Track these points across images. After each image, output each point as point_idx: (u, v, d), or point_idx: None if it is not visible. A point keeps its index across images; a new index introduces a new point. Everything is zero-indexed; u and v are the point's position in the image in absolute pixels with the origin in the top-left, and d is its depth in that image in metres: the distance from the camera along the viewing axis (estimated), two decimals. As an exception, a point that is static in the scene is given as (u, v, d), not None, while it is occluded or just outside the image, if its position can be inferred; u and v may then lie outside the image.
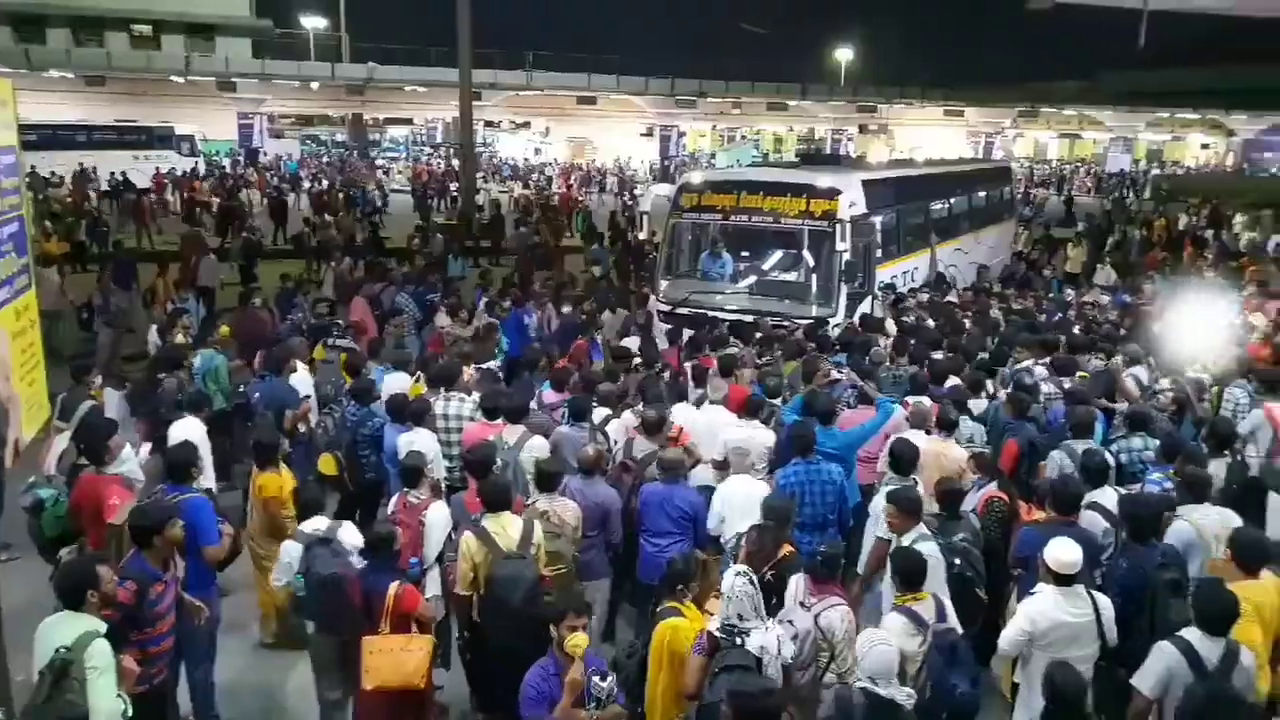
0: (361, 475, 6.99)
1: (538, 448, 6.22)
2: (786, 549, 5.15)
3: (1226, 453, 6.41)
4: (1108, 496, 5.64)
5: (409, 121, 57.54)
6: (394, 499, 5.80)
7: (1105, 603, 4.56)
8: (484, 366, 8.31)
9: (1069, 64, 61.21)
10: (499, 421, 6.47)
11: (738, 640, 4.12)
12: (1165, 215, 28.09)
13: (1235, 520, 5.36)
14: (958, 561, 4.96)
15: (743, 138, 57.12)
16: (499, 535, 5.01)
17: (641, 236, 14.70)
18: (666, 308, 11.31)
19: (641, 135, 55.83)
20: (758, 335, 9.46)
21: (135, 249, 20.34)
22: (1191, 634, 4.20)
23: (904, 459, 5.76)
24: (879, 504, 5.53)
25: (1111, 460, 6.24)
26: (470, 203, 22.94)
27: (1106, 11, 16.81)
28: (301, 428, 7.76)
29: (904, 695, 3.82)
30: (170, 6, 46.32)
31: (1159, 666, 4.16)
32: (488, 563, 4.94)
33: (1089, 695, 3.92)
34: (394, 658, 4.57)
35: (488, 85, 46.36)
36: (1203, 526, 5.21)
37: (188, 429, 6.39)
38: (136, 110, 40.97)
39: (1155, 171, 55.96)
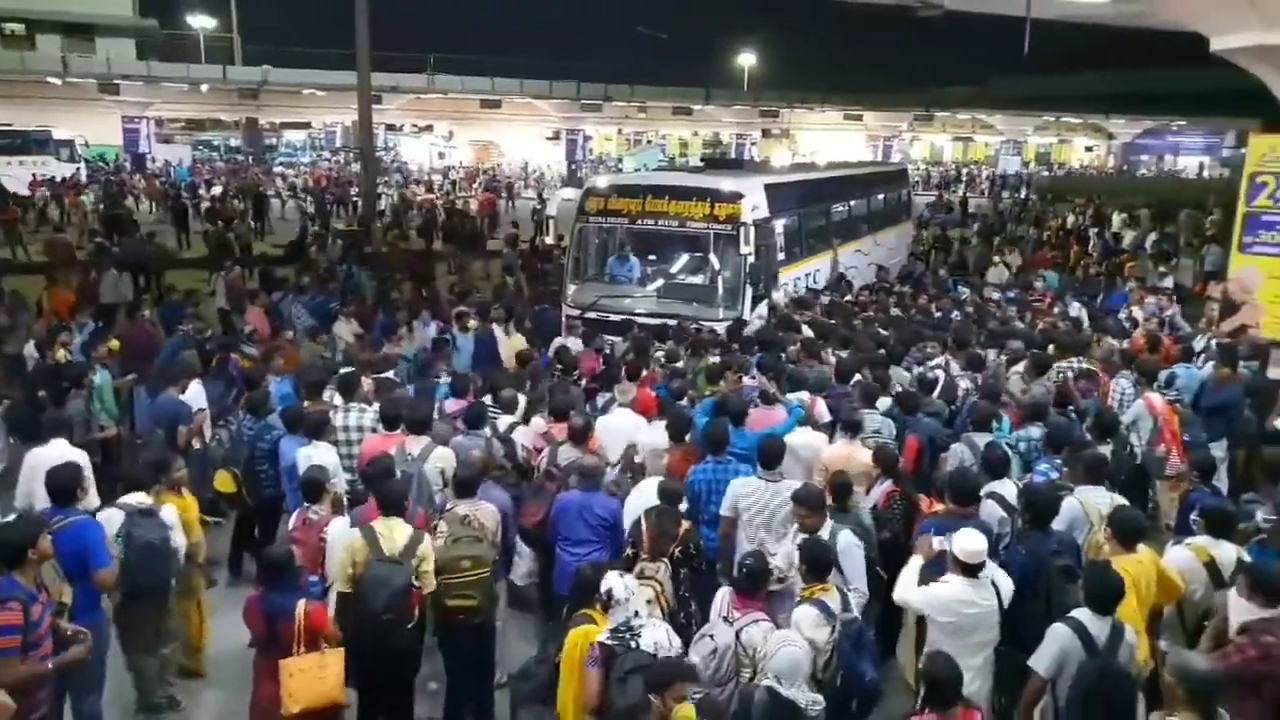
0: (260, 491, 6.74)
1: (443, 458, 6.11)
2: (685, 525, 5.21)
3: (1110, 441, 6.67)
4: (1007, 488, 5.82)
5: (307, 125, 56.05)
6: (294, 516, 5.63)
7: (1007, 590, 4.71)
8: (383, 376, 8.11)
9: (961, 70, 63.66)
10: (399, 432, 6.32)
11: (632, 643, 4.14)
12: (1055, 215, 29.41)
13: (1121, 503, 5.67)
14: (864, 544, 5.10)
15: (649, 141, 57.52)
16: (384, 538, 4.95)
17: (549, 241, 14.58)
18: (575, 312, 11.27)
19: (547, 138, 55.67)
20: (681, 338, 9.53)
21: (9, 260, 19.29)
22: (1082, 614, 4.39)
23: (769, 453, 5.81)
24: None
25: (1011, 452, 6.43)
26: (371, 208, 22.44)
27: (994, 19, 17.42)
28: (196, 444, 7.45)
29: (807, 699, 3.87)
30: (45, 5, 43.88)
31: (1054, 647, 4.32)
32: (365, 563, 4.89)
33: (963, 681, 4.02)
34: (311, 677, 4.51)
35: (388, 88, 45.48)
36: (1090, 505, 5.45)
37: (57, 451, 5.95)
38: (10, 113, 38.79)
39: (1043, 173, 58.46)
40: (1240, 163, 10.17)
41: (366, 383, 7.54)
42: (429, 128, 56.96)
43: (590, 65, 53.71)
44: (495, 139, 57.72)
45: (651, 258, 11.95)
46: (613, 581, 4.32)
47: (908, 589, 4.84)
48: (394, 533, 4.97)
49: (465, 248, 20.66)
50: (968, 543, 4.57)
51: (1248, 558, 5.02)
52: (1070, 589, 4.82)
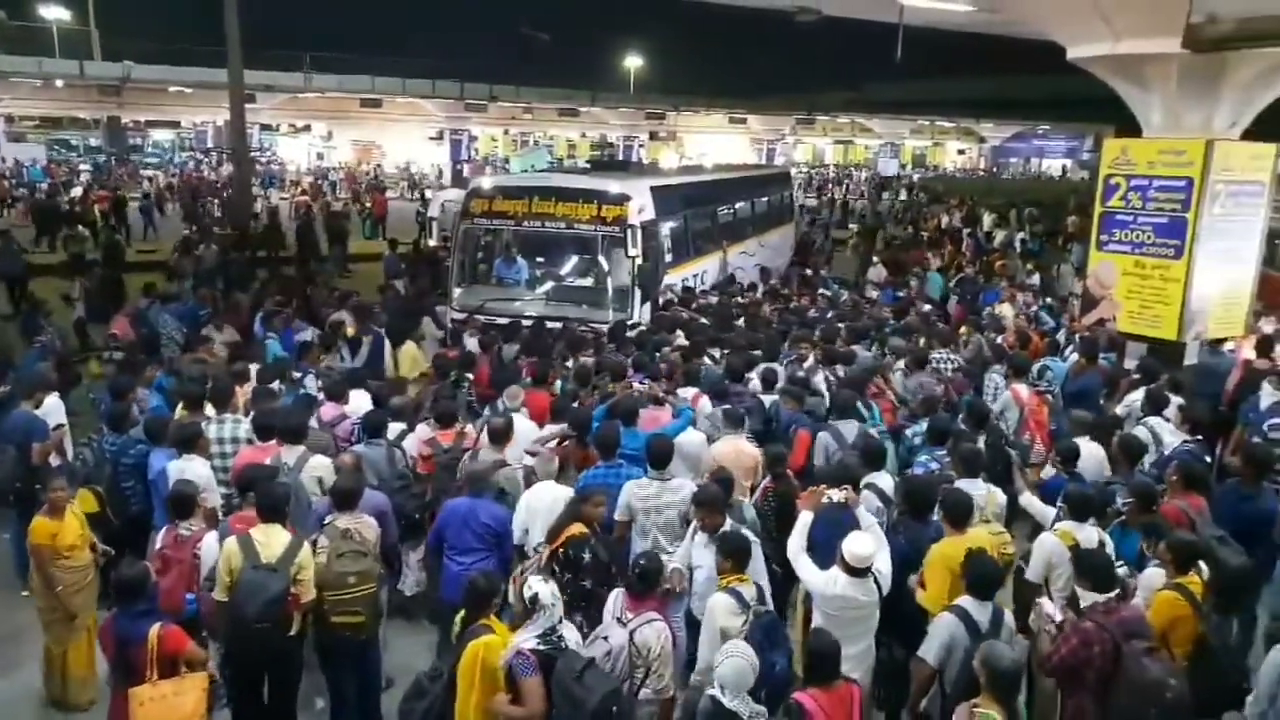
0: (126, 509, 6.35)
1: (320, 467, 5.92)
2: (577, 528, 5.18)
3: (984, 431, 6.94)
4: (883, 479, 5.99)
5: (175, 125, 53.47)
6: (162, 532, 5.35)
7: (888, 580, 4.84)
8: (267, 386, 7.77)
9: (840, 75, 65.70)
10: (273, 442, 6.08)
11: (562, 645, 4.11)
12: (931, 215, 30.62)
13: (1000, 494, 5.88)
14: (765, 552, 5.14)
15: (535, 143, 57.13)
16: (261, 545, 4.78)
17: (431, 243, 14.26)
18: (461, 315, 11.08)
19: (431, 139, 54.64)
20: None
21: None
22: (966, 601, 4.55)
23: (657, 454, 5.84)
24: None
25: (890, 445, 6.65)
26: (246, 211, 21.55)
27: (870, 26, 17.98)
28: (55, 460, 6.97)
29: (751, 710, 3.88)
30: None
31: (941, 636, 4.47)
32: (240, 570, 4.72)
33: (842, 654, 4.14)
34: (165, 706, 4.24)
35: (262, 87, 43.79)
36: (972, 497, 5.56)
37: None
38: None
39: (916, 176, 60.76)
40: (1098, 165, 10.73)
41: (240, 392, 7.23)
42: (307, 128, 55.13)
43: (475, 65, 53.20)
44: (377, 139, 56.32)
45: (538, 260, 11.88)
46: (538, 587, 4.23)
47: (798, 551, 4.98)
48: (272, 540, 4.81)
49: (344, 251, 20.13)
50: (858, 547, 4.67)
51: (1109, 540, 5.30)
52: None
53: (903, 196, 43.36)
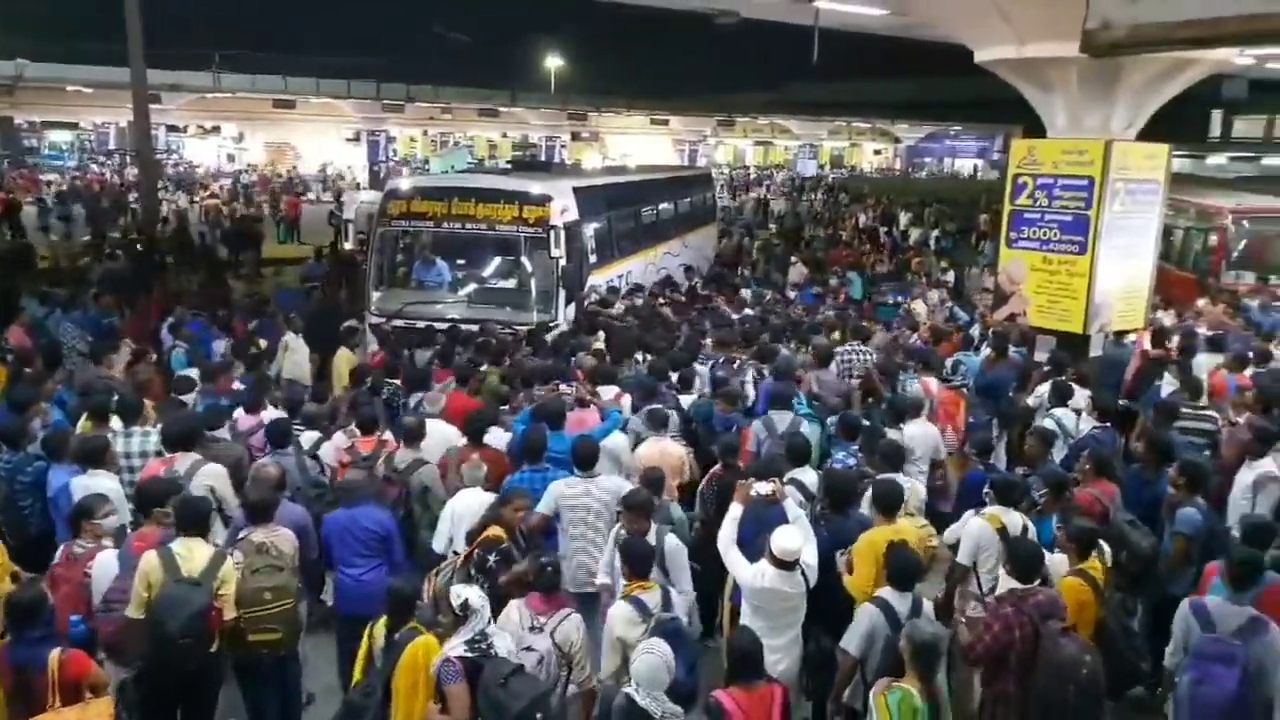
0: (24, 530, 6.05)
1: (212, 475, 5.76)
2: (494, 531, 5.17)
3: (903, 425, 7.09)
4: (807, 475, 6.10)
5: (74, 126, 51.27)
6: (59, 551, 5.13)
7: (814, 572, 4.92)
8: (180, 398, 7.49)
9: (760, 76, 66.48)
10: (178, 453, 5.89)
11: (492, 651, 4.09)
12: (850, 215, 31.24)
13: (921, 488, 6.08)
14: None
15: (456, 143, 56.45)
16: (183, 559, 4.64)
17: (348, 246, 13.98)
18: (380, 320, 10.87)
19: (348, 140, 53.49)
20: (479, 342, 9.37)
21: None
22: (887, 592, 4.66)
23: (583, 455, 5.85)
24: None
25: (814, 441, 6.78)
26: (152, 215, 20.76)
27: (787, 28, 18.26)
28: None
29: (664, 709, 3.89)
30: None
31: (863, 627, 4.56)
32: (160, 584, 4.57)
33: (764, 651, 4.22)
34: None
35: (168, 87, 42.26)
36: (903, 487, 5.68)
37: None
38: None
39: (835, 175, 61.94)
40: (1007, 165, 11.07)
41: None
42: (216, 129, 53.46)
43: (392, 65, 52.25)
44: (291, 140, 54.93)
45: (460, 262, 11.73)
46: (467, 593, 4.21)
47: (728, 544, 5.03)
48: (194, 553, 4.67)
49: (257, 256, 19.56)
50: (785, 541, 4.73)
51: (1032, 525, 5.48)
52: None
53: (820, 197, 44.10)
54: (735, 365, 8.66)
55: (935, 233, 25.38)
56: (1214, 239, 14.91)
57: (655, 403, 7.23)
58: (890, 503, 5.29)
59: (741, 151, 73.94)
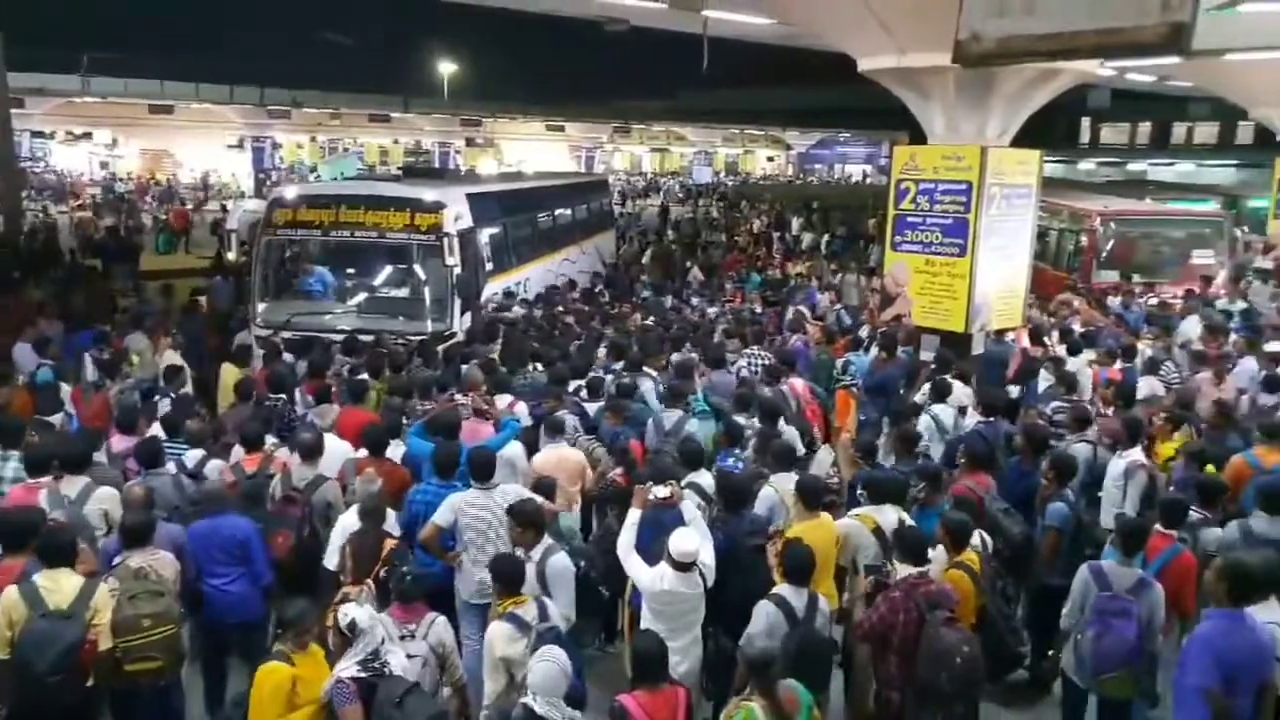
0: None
1: (106, 499, 5.50)
2: (390, 544, 5.12)
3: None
4: (704, 478, 6.15)
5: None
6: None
7: (712, 573, 4.98)
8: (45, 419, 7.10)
9: (654, 84, 67.02)
10: (48, 478, 5.56)
11: (386, 670, 4.01)
12: (744, 220, 31.76)
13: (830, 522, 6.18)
14: (582, 564, 5.11)
15: (345, 150, 55.06)
16: (50, 592, 4.39)
17: (230, 256, 13.46)
18: (267, 332, 10.51)
19: (231, 146, 51.57)
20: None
21: None
22: (784, 589, 4.76)
23: (479, 466, 5.78)
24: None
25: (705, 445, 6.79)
26: (15, 226, 19.59)
27: (681, 36, 18.45)
28: None
29: (563, 715, 3.88)
30: None
31: (761, 624, 4.64)
32: (24, 621, 4.32)
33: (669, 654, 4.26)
34: None
35: (32, 90, 40.02)
36: (784, 490, 5.91)
37: None
38: None
39: (730, 181, 62.94)
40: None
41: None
42: (88, 135, 50.85)
43: (277, 69, 50.70)
44: (169, 147, 52.64)
45: (350, 271, 11.47)
46: (355, 613, 4.13)
47: (627, 550, 5.04)
48: (61, 585, 4.41)
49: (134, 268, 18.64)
50: (683, 543, 4.77)
51: (909, 520, 5.65)
52: (762, 566, 5.22)
53: (716, 203, 44.73)
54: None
55: (826, 237, 26.03)
56: (1085, 240, 15.74)
57: (557, 409, 7.23)
58: (812, 494, 5.49)
59: (638, 158, 74.40)
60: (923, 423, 7.47)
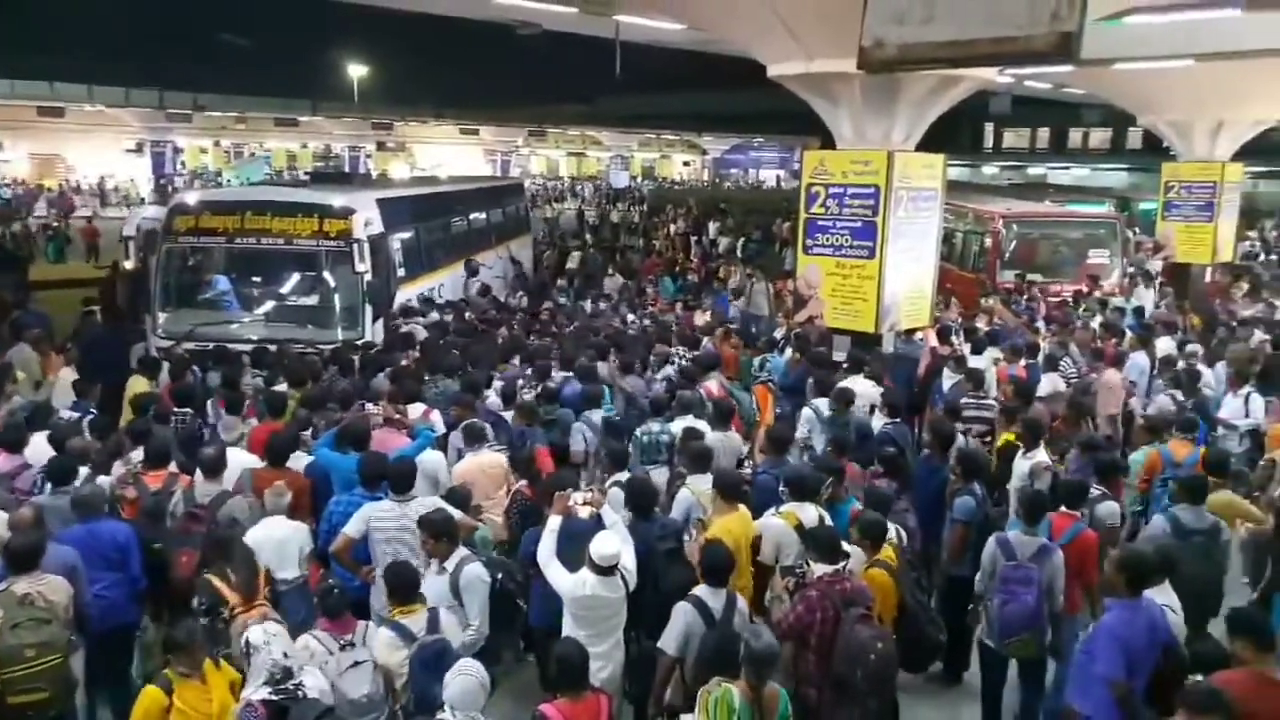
0: None
1: None
2: None
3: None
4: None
5: None
6: None
7: (633, 577, 4.98)
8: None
9: (570, 88, 66.78)
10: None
11: (299, 693, 3.90)
12: (661, 224, 31.93)
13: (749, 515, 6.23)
14: (500, 576, 5.04)
15: (251, 155, 53.51)
16: None
17: (128, 265, 12.95)
18: (168, 343, 10.13)
19: (129, 151, 49.52)
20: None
21: None
22: (702, 590, 4.80)
23: (397, 476, 5.74)
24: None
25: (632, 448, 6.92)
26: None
27: (596, 41, 18.48)
28: None
29: None
30: None
31: (678, 625, 4.67)
32: None
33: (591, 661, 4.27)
34: None
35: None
36: (700, 491, 5.98)
37: None
38: None
39: (647, 185, 63.23)
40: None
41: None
42: (-32, 138, 48.24)
43: (178, 72, 48.92)
44: (62, 151, 50.31)
45: (256, 280, 11.15)
46: (250, 631, 4.06)
47: (548, 557, 5.01)
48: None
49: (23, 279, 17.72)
50: (604, 547, 4.78)
51: (828, 517, 5.75)
52: (675, 569, 5.26)
53: (634, 207, 44.86)
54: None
55: (742, 240, 26.34)
56: (989, 241, 16.28)
57: (473, 416, 7.17)
58: (731, 488, 5.64)
59: (555, 162, 74.16)
60: (804, 416, 7.63)
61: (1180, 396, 8.69)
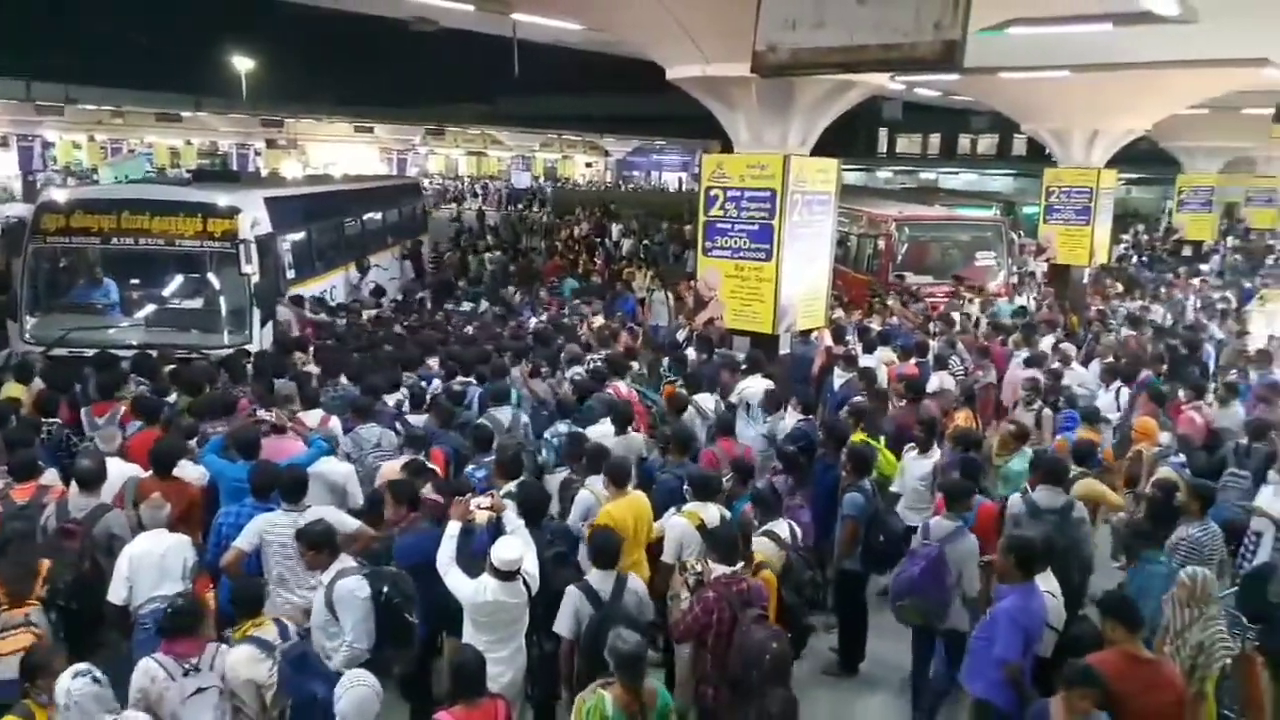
0: None
1: None
2: (46, 562, 4.94)
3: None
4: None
5: None
6: None
7: (535, 581, 4.95)
8: None
9: (470, 87, 66.05)
10: None
11: None
12: (564, 226, 31.81)
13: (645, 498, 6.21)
14: (385, 589, 4.86)
15: (131, 151, 51.03)
16: None
17: (-10, 267, 12.26)
18: (38, 349, 9.58)
19: (-10, 145, 46.56)
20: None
21: None
22: (591, 575, 4.93)
23: (289, 484, 5.59)
24: None
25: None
26: None
27: (497, 40, 18.25)
28: None
29: None
30: None
31: (568, 609, 4.81)
32: None
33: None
34: None
35: None
36: (598, 493, 6.00)
37: None
38: None
39: (549, 186, 62.96)
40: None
41: None
42: None
43: (47, 63, 46.25)
44: (-84, 145, 46.90)
45: (134, 282, 10.67)
46: (62, 682, 3.77)
47: (448, 563, 4.94)
48: None
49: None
50: (505, 552, 4.73)
51: (729, 515, 5.81)
52: (564, 572, 5.26)
53: (536, 209, 44.64)
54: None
55: (645, 242, 26.50)
56: (882, 244, 16.75)
57: (372, 421, 7.09)
58: (619, 474, 5.78)
59: (454, 161, 73.14)
60: (688, 414, 7.76)
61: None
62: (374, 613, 4.75)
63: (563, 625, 4.86)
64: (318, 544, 4.88)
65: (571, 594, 4.84)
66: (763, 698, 4.37)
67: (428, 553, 5.09)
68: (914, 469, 7.07)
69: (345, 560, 4.93)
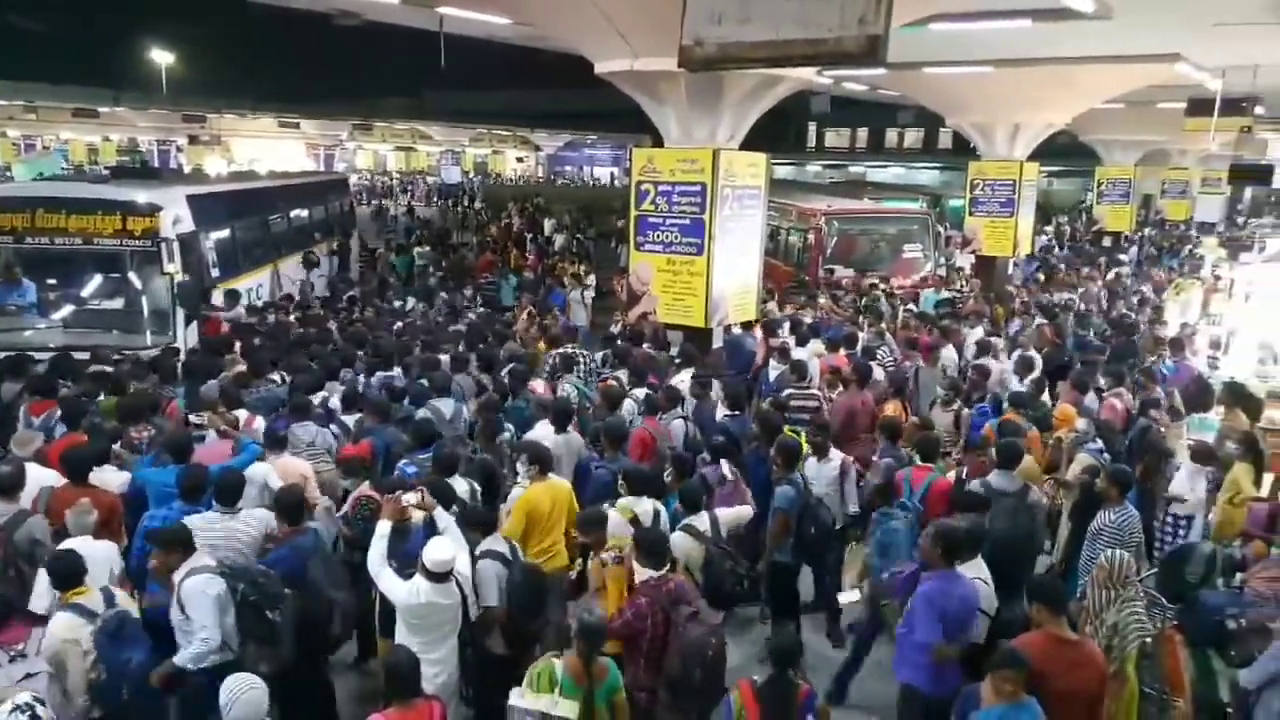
0: None
1: None
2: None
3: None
4: (460, 485, 6.03)
5: None
6: None
7: (469, 582, 4.98)
8: None
9: (397, 81, 65.02)
10: None
11: None
12: (497, 222, 31.55)
13: (566, 484, 6.25)
14: (242, 588, 4.74)
15: (45, 148, 49.12)
16: None
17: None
18: None
19: (-107, 141, 44.48)
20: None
21: None
22: (487, 542, 5.17)
23: (223, 488, 5.48)
24: None
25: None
26: None
27: (425, 34, 17.99)
28: None
29: None
30: None
31: (489, 578, 5.12)
32: None
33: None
34: None
35: None
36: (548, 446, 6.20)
37: None
38: None
39: (478, 182, 62.34)
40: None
41: None
42: None
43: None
44: None
45: (51, 281, 10.37)
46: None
47: (380, 564, 4.91)
48: None
49: None
50: (437, 553, 4.70)
51: (664, 511, 5.85)
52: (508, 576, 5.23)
53: (466, 204, 44.18)
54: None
55: (578, 237, 26.42)
56: (811, 237, 16.99)
57: (307, 420, 7.02)
58: (543, 459, 5.92)
59: (383, 157, 71.99)
60: (626, 406, 7.82)
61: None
62: (233, 611, 4.73)
63: (488, 596, 5.07)
64: (168, 542, 4.80)
65: (483, 566, 5.06)
66: (705, 697, 4.42)
67: (293, 566, 5.12)
68: (823, 474, 6.83)
69: (199, 560, 4.82)
